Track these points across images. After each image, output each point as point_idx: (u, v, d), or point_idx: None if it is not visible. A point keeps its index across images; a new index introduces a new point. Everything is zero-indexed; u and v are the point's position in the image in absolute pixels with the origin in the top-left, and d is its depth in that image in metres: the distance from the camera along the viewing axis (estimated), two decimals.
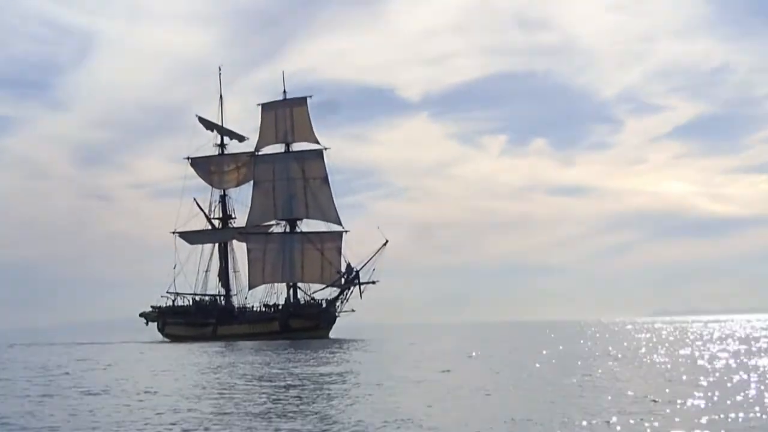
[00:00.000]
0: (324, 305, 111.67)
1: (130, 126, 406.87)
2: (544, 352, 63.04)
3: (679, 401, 28.40)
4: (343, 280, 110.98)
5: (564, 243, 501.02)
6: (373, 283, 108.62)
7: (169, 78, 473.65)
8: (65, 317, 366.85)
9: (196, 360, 62.19)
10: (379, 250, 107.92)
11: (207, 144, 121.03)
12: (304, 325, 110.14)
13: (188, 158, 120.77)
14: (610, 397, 29.87)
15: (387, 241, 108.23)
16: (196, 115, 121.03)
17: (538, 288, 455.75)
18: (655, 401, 28.52)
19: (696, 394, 30.52)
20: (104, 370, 52.49)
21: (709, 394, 30.49)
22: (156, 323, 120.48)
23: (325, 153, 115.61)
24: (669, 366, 45.19)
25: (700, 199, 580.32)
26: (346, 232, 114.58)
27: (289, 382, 38.32)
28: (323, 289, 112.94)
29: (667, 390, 32.04)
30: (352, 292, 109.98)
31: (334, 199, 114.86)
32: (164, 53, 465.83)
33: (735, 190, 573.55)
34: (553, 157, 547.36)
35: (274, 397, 32.23)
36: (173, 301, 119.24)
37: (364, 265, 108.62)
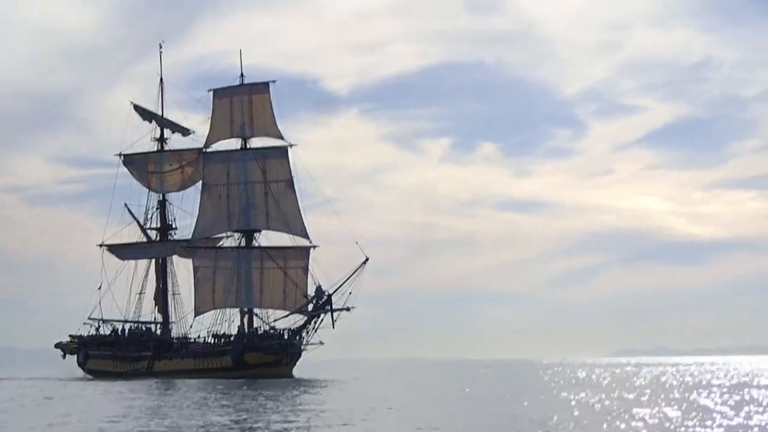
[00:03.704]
0: (287, 336, 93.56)
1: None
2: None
3: None
4: (311, 305, 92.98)
5: (515, 267, 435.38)
6: (348, 309, 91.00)
7: (47, 60, 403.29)
8: None
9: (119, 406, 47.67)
10: (357, 270, 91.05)
11: (143, 138, 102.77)
12: (263, 360, 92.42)
13: (120, 155, 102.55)
14: None
15: (367, 259, 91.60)
16: (131, 103, 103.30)
17: (483, 321, 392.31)
18: None
19: None
20: None
21: None
22: (76, 356, 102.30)
23: (290, 151, 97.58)
24: None
25: (675, 219, 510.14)
26: (314, 247, 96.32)
27: None
28: (286, 316, 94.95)
29: None
30: (322, 320, 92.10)
31: (301, 207, 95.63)
32: (42, 30, 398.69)
33: (717, 208, 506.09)
34: (504, 165, 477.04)
35: None
36: (97, 329, 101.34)
37: (339, 287, 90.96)
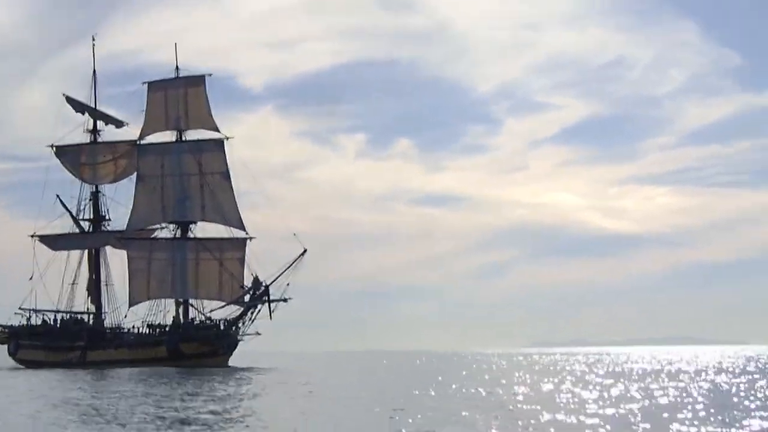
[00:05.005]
0: (223, 326, 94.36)
1: None
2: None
3: None
4: (248, 296, 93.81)
5: (431, 262, 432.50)
6: (285, 300, 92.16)
7: None
8: None
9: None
10: (295, 261, 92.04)
11: (76, 130, 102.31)
12: (199, 350, 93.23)
13: (52, 146, 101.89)
14: None
15: (305, 251, 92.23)
16: (64, 95, 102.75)
17: (401, 314, 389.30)
18: None
19: None
20: None
21: None
22: (6, 346, 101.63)
23: (226, 143, 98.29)
24: None
25: (589, 214, 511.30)
26: (251, 239, 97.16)
27: None
28: (223, 307, 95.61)
29: None
30: (259, 311, 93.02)
31: (237, 199, 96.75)
32: None
33: (629, 203, 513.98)
34: (419, 161, 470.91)
35: None
36: (28, 319, 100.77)
37: (276, 278, 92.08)
